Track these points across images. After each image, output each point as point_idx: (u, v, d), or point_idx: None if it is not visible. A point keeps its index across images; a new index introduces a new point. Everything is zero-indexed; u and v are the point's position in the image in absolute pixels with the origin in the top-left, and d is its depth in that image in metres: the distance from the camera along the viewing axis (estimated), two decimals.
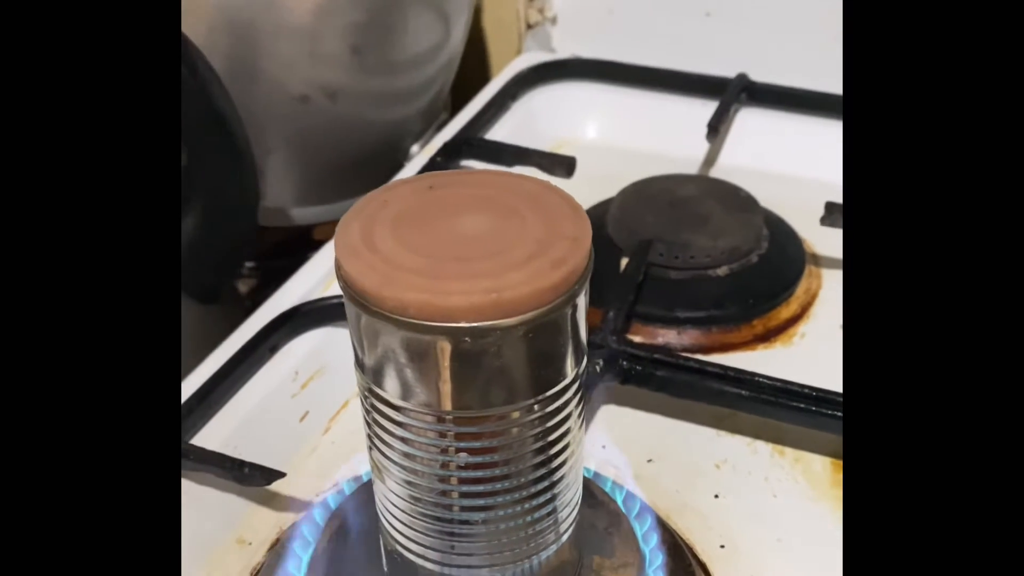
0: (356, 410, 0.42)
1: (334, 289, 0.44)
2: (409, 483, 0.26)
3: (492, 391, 0.24)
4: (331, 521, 0.33)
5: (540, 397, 0.25)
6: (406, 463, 0.25)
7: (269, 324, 0.40)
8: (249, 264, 0.60)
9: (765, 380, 0.38)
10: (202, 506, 0.36)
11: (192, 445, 0.35)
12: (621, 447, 0.39)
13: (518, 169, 0.48)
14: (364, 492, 0.34)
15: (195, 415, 0.37)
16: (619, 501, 0.34)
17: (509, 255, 0.24)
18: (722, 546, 0.35)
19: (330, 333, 0.42)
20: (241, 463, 0.34)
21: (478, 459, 0.25)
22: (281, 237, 0.61)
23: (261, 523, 0.36)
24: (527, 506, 0.26)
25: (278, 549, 0.34)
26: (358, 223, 0.25)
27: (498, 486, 0.25)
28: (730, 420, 0.40)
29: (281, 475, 0.34)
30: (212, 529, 0.36)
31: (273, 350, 0.40)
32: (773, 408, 0.37)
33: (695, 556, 0.35)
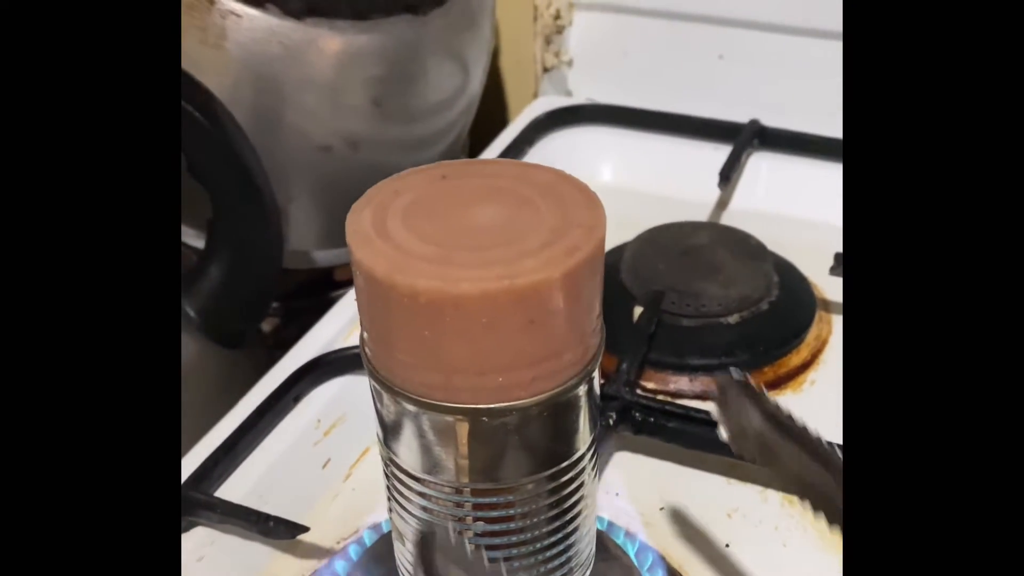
0: (376, 457, 0.43)
1: (353, 339, 0.45)
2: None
3: (509, 465, 0.25)
4: (352, 572, 0.34)
5: (555, 469, 0.26)
6: (425, 529, 0.26)
7: (292, 375, 0.42)
8: (273, 304, 0.61)
9: None
10: (225, 555, 0.37)
11: (218, 498, 0.36)
12: (633, 495, 0.40)
13: None
14: (383, 544, 0.35)
15: (221, 466, 0.38)
16: (631, 554, 0.35)
17: (522, 243, 0.23)
18: None
19: (351, 381, 0.43)
20: (267, 517, 0.35)
21: (494, 527, 0.26)
22: (304, 278, 0.63)
23: (284, 571, 0.38)
24: (543, 569, 0.27)
25: None
26: (369, 211, 0.25)
27: (513, 551, 0.26)
28: (741, 468, 0.40)
29: (305, 529, 0.35)
30: None
31: (296, 399, 0.42)
32: None
33: None
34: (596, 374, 0.26)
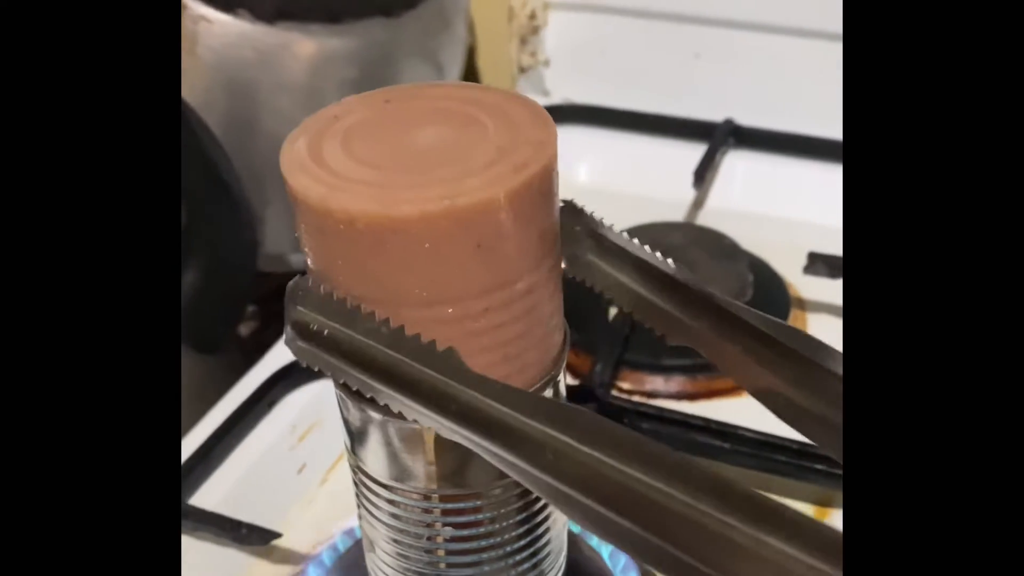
0: None
1: None
2: (399, 554, 0.27)
3: (478, 470, 0.25)
4: None
5: None
6: (394, 536, 0.26)
7: (267, 380, 0.42)
8: (250, 308, 0.61)
9: (747, 433, 0.39)
10: (201, 560, 0.37)
11: (192, 506, 0.36)
12: None
13: None
14: (358, 549, 0.35)
15: (195, 473, 0.38)
16: (605, 556, 0.35)
17: (467, 163, 0.22)
18: None
19: (326, 386, 0.43)
20: (239, 524, 0.35)
21: (464, 532, 0.26)
22: (281, 281, 0.62)
23: None
24: (514, 572, 0.27)
25: None
26: (305, 139, 0.23)
27: (484, 556, 0.26)
28: (716, 468, 0.41)
29: (277, 535, 0.35)
30: None
31: (271, 405, 0.42)
32: (755, 460, 0.38)
33: None
34: (561, 378, 0.26)
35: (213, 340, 0.49)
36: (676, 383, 0.45)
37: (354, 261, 0.22)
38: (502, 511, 0.26)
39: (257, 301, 0.62)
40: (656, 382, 0.45)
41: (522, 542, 0.27)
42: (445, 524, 0.26)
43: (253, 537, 0.35)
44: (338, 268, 0.23)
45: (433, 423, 0.22)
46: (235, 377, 0.43)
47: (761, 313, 0.25)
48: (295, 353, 0.24)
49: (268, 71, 0.49)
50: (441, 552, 0.26)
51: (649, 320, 0.26)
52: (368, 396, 0.23)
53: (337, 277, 0.23)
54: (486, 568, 0.27)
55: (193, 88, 0.46)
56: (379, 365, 0.22)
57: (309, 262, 0.24)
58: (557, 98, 0.65)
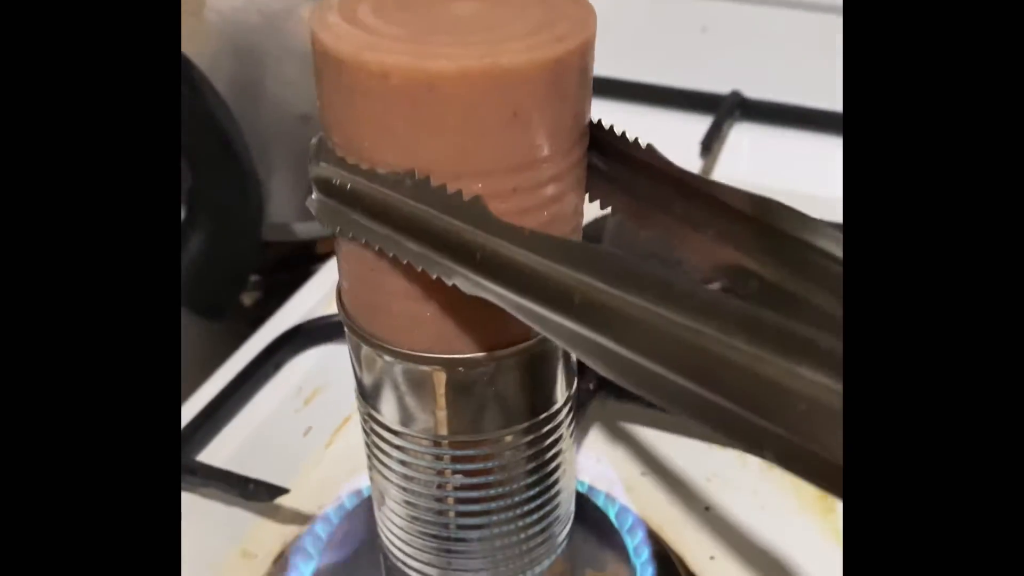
0: (357, 425, 0.43)
1: (335, 307, 0.45)
2: (408, 503, 0.27)
3: (487, 417, 0.25)
4: (333, 534, 0.34)
5: (533, 421, 0.26)
6: (404, 484, 0.26)
7: (273, 342, 0.42)
8: (254, 277, 0.61)
9: None
10: (207, 519, 0.37)
11: (199, 462, 0.36)
12: (615, 461, 0.40)
13: None
14: (365, 506, 0.35)
15: (202, 431, 0.38)
16: (611, 515, 0.35)
17: (507, 30, 0.21)
18: (712, 557, 0.36)
19: (332, 350, 0.43)
20: (246, 480, 0.35)
21: (473, 480, 0.26)
22: (285, 251, 0.62)
23: (265, 536, 0.38)
24: (521, 523, 0.27)
25: (282, 562, 0.35)
26: (336, 4, 0.22)
27: (492, 505, 0.26)
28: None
29: (284, 491, 0.35)
30: (217, 542, 0.37)
31: (277, 367, 0.42)
32: None
33: (685, 567, 0.36)
34: None
35: (218, 306, 0.49)
36: None
37: (383, 124, 0.21)
38: (512, 459, 0.26)
39: (260, 271, 0.62)
40: None
41: (531, 492, 0.27)
42: (455, 472, 0.26)
43: (260, 493, 0.35)
44: (364, 134, 0.21)
45: (458, 277, 0.21)
46: (238, 346, 0.43)
47: (739, 189, 0.23)
48: (317, 213, 0.23)
49: (274, 36, 0.49)
50: (451, 500, 0.26)
51: (620, 207, 0.25)
52: (391, 254, 0.22)
53: (362, 143, 0.22)
54: (495, 519, 0.27)
55: (200, 52, 0.46)
56: (403, 217, 0.21)
57: (332, 132, 0.22)
58: None
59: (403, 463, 0.26)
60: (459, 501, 0.26)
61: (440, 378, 0.24)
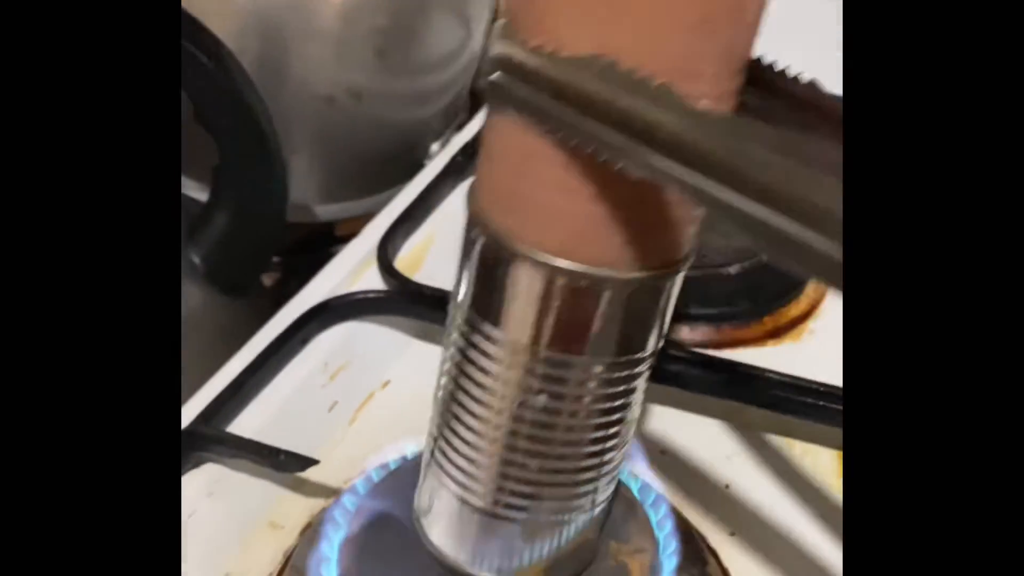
0: (382, 401, 0.43)
1: (360, 285, 0.45)
2: (479, 418, 0.27)
3: (591, 340, 0.25)
4: (361, 506, 0.35)
5: (626, 359, 0.26)
6: (485, 398, 0.26)
7: (300, 317, 0.42)
8: (274, 258, 0.62)
9: (773, 376, 0.39)
10: (235, 491, 0.37)
11: (229, 433, 0.37)
12: (637, 438, 0.40)
13: None
14: (393, 480, 0.36)
15: (231, 404, 0.38)
16: (635, 490, 0.35)
17: None
18: (732, 534, 0.37)
19: (358, 327, 0.44)
20: (277, 450, 0.36)
21: (555, 404, 0.26)
22: (305, 233, 0.63)
23: (292, 508, 0.38)
24: (579, 464, 0.27)
25: (310, 533, 0.36)
26: None
27: (559, 434, 0.26)
28: (741, 413, 0.41)
29: (315, 462, 0.36)
30: (245, 513, 0.38)
31: (304, 342, 0.42)
32: (780, 403, 0.39)
33: (706, 543, 0.36)
34: (680, 277, 0.26)
35: (242, 284, 0.50)
36: (701, 332, 0.45)
37: (574, 7, 0.21)
38: (594, 392, 0.26)
39: (280, 252, 0.63)
40: (682, 331, 0.45)
41: (598, 432, 0.27)
42: (539, 390, 0.26)
43: (291, 463, 0.35)
44: (554, 17, 0.22)
45: (630, 160, 0.21)
46: (260, 323, 0.44)
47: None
48: (490, 92, 0.23)
49: (299, 16, 0.49)
50: (526, 423, 0.26)
51: None
52: (560, 135, 0.22)
53: (553, 26, 0.22)
54: (559, 449, 0.27)
55: (226, 31, 0.47)
56: (586, 95, 0.21)
57: (519, 14, 0.22)
58: None
59: (486, 372, 0.26)
60: (534, 424, 0.26)
61: (560, 282, 0.24)
